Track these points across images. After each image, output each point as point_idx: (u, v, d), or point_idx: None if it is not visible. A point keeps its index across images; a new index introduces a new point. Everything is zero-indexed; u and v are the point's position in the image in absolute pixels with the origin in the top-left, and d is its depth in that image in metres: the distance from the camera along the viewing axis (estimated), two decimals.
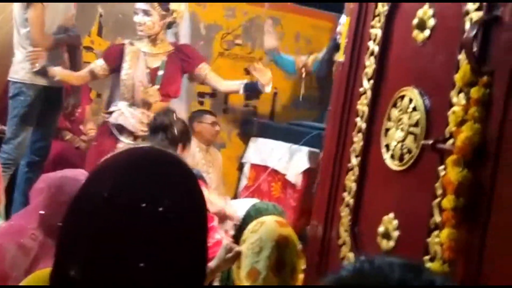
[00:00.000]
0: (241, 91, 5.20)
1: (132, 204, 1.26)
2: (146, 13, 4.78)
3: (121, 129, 4.79)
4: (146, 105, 4.81)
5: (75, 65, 5.33)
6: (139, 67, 4.81)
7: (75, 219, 1.33)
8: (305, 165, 5.94)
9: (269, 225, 3.12)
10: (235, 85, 5.22)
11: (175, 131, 4.27)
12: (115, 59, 4.87)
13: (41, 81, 4.86)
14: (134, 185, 1.28)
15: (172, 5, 4.85)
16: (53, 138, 5.20)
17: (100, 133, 5.00)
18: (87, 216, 1.30)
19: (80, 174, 3.06)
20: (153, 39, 4.90)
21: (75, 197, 1.36)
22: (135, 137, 4.75)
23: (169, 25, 4.98)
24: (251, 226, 3.18)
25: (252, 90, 5.18)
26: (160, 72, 4.82)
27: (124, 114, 4.77)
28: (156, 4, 4.79)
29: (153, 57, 4.88)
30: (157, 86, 4.79)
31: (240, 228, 3.50)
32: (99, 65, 4.94)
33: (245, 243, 3.14)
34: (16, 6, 4.84)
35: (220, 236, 4.13)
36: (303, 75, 5.79)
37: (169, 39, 5.19)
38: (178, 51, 4.99)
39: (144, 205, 1.25)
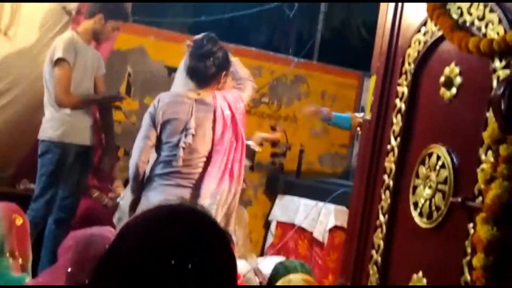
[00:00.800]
0: None
1: (162, 261, 1.26)
2: None
3: None
4: None
5: (105, 125, 5.38)
6: None
7: (103, 277, 1.33)
8: (332, 222, 5.91)
9: (297, 282, 3.10)
10: None
11: (220, 57, 4.19)
12: None
13: (69, 140, 4.91)
14: (163, 242, 1.28)
15: None
16: (81, 196, 5.23)
17: None
18: (116, 273, 1.30)
19: (107, 232, 3.07)
20: None
21: (104, 255, 1.36)
22: None
23: None
24: (278, 284, 3.16)
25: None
26: None
27: None
28: None
29: None
30: None
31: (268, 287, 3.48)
32: None
33: None
34: (46, 64, 4.92)
35: None
36: (359, 132, 5.83)
37: None
38: None
39: (173, 262, 1.25)
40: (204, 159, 4.15)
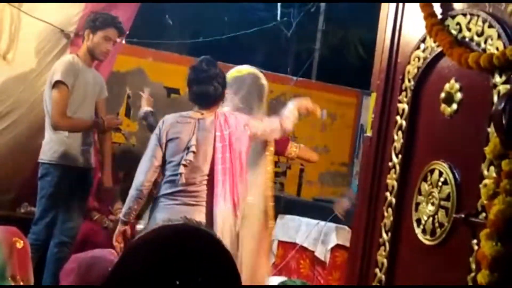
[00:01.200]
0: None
1: (166, 281, 1.25)
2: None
3: None
4: None
5: (102, 147, 5.39)
6: None
7: None
8: (334, 241, 5.89)
9: None
10: None
11: (222, 77, 4.37)
12: None
13: (68, 162, 4.90)
14: (166, 264, 1.28)
15: None
16: (82, 219, 5.22)
17: None
18: None
19: (109, 254, 3.06)
20: None
21: (108, 277, 1.35)
22: None
23: None
24: None
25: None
26: None
27: None
28: None
29: None
30: None
31: None
32: None
33: None
34: (46, 87, 4.93)
35: None
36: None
37: None
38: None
39: (178, 283, 1.25)
40: (207, 177, 4.25)
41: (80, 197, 5.09)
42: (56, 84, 4.84)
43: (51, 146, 4.94)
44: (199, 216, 4.15)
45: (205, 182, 4.26)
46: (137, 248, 1.37)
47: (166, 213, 4.20)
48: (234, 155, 4.31)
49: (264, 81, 4.84)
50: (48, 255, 4.97)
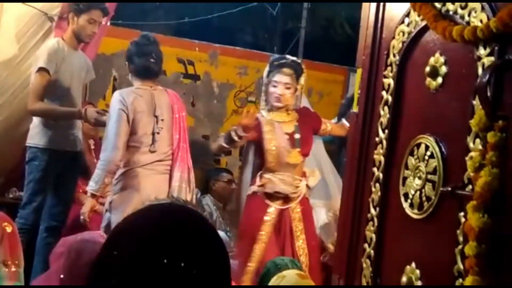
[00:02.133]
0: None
1: (154, 261, 1.25)
2: (286, 86, 5.01)
3: (271, 195, 4.95)
4: (291, 167, 5.00)
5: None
6: (279, 135, 5.05)
7: (98, 279, 1.32)
8: (324, 219, 5.90)
9: (291, 279, 3.09)
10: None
11: (160, 54, 4.71)
12: (254, 130, 5.06)
13: (56, 146, 4.88)
14: (154, 242, 1.27)
15: (302, 79, 5.12)
16: (71, 203, 5.20)
17: (250, 201, 5.08)
18: (110, 275, 1.29)
19: (98, 237, 3.05)
20: (287, 109, 5.09)
21: (97, 258, 1.35)
22: (285, 200, 4.92)
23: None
24: (271, 282, 3.13)
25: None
26: (297, 136, 5.03)
27: (273, 180, 4.94)
28: (295, 78, 5.03)
29: (285, 123, 5.07)
30: (298, 149, 4.99)
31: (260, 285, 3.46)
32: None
33: None
34: (32, 73, 4.89)
35: None
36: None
37: None
38: (302, 114, 5.13)
39: (165, 261, 1.25)
40: (171, 147, 4.58)
41: (68, 181, 5.07)
42: (38, 70, 4.81)
43: (38, 130, 4.91)
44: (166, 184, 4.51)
45: (171, 151, 4.57)
46: (124, 228, 1.37)
47: (145, 182, 4.44)
48: (184, 124, 4.71)
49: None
50: (38, 240, 4.96)
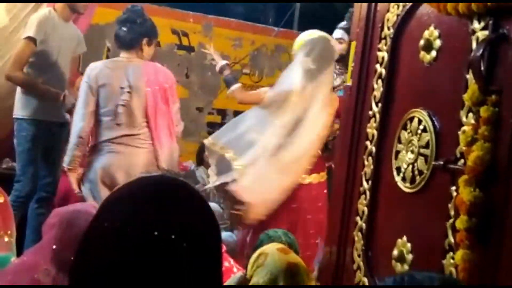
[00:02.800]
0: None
1: (144, 233, 1.25)
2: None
3: None
4: None
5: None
6: None
7: (87, 252, 1.32)
8: None
9: (275, 256, 3.05)
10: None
11: (141, 24, 4.61)
12: None
13: (42, 117, 4.84)
14: (145, 215, 1.27)
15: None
16: (61, 173, 5.18)
17: None
18: (100, 248, 1.29)
19: (91, 208, 3.05)
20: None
21: (87, 230, 1.35)
22: None
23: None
24: (253, 258, 3.09)
25: None
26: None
27: None
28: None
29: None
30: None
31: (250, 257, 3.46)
32: None
33: (253, 278, 3.08)
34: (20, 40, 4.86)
35: (228, 264, 4.11)
36: None
37: None
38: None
39: (156, 233, 1.24)
40: (146, 120, 4.51)
41: (55, 152, 5.05)
42: (25, 38, 4.77)
43: (24, 101, 4.88)
44: (147, 157, 4.47)
45: (145, 124, 4.50)
46: (115, 200, 1.37)
47: (111, 157, 4.45)
48: (170, 97, 4.64)
49: (334, 44, 4.99)
50: (29, 211, 4.96)
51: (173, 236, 1.25)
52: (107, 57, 6.45)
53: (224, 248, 4.17)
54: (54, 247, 2.80)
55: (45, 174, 5.00)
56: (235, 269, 4.01)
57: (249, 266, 3.07)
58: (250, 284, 2.99)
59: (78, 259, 1.33)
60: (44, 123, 4.89)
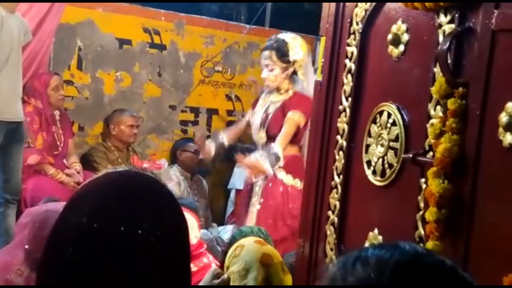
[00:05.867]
0: None
1: (111, 228, 1.25)
2: (268, 67, 5.06)
3: None
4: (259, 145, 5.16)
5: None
6: (259, 113, 5.20)
7: (54, 249, 1.32)
8: None
9: (250, 246, 3.10)
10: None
11: None
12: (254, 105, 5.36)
13: None
14: (111, 210, 1.27)
15: (292, 56, 5.03)
16: (21, 173, 5.12)
17: None
18: (66, 244, 1.28)
19: (63, 207, 3.04)
20: (278, 89, 5.12)
21: (54, 226, 1.34)
22: None
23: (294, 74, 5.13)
24: (231, 251, 3.14)
25: None
26: (269, 117, 5.12)
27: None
28: (275, 58, 5.03)
29: (275, 104, 5.15)
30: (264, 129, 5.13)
31: (227, 253, 3.48)
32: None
33: (229, 268, 3.12)
34: None
35: (207, 260, 4.13)
36: None
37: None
38: (293, 97, 5.10)
39: (122, 228, 1.25)
40: None
41: (15, 152, 5.00)
42: None
43: None
44: None
45: None
46: (81, 195, 1.37)
47: None
48: None
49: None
50: None
51: (139, 231, 1.26)
52: (79, 56, 6.42)
53: (204, 246, 4.20)
54: (26, 247, 2.79)
55: (7, 178, 4.96)
56: (213, 265, 4.04)
57: (226, 258, 3.11)
58: (226, 274, 3.03)
59: (45, 256, 1.33)
60: (1, 123, 4.83)
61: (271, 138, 5.05)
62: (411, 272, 1.02)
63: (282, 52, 5.04)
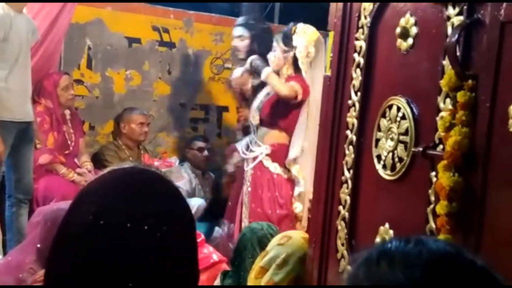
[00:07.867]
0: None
1: (117, 225, 1.25)
2: (272, 49, 5.14)
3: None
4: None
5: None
6: (259, 97, 5.25)
7: (61, 246, 1.32)
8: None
9: (297, 240, 3.14)
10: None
11: None
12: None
13: (7, 117, 4.79)
14: (117, 206, 1.27)
15: (294, 41, 5.04)
16: (32, 172, 5.14)
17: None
18: (73, 241, 1.28)
19: None
20: (278, 74, 5.11)
21: (61, 224, 1.34)
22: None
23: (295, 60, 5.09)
24: (276, 239, 3.20)
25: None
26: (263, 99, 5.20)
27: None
28: (280, 40, 5.08)
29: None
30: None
31: (236, 250, 3.49)
32: None
33: (269, 254, 3.15)
34: None
35: (207, 251, 4.15)
36: None
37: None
38: (288, 79, 5.10)
39: (129, 225, 1.24)
40: None
41: (25, 152, 5.01)
42: None
43: None
44: None
45: None
46: (88, 192, 1.36)
47: None
48: None
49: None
50: (7, 213, 4.94)
51: (146, 227, 1.25)
52: (88, 56, 6.43)
53: (202, 236, 4.23)
54: (38, 246, 2.80)
55: (18, 178, 4.97)
56: (214, 256, 4.07)
57: (270, 243, 3.16)
58: (267, 257, 3.07)
59: (53, 254, 1.33)
60: (11, 123, 4.83)
61: (262, 121, 5.14)
62: (444, 274, 0.97)
63: (286, 35, 5.07)
